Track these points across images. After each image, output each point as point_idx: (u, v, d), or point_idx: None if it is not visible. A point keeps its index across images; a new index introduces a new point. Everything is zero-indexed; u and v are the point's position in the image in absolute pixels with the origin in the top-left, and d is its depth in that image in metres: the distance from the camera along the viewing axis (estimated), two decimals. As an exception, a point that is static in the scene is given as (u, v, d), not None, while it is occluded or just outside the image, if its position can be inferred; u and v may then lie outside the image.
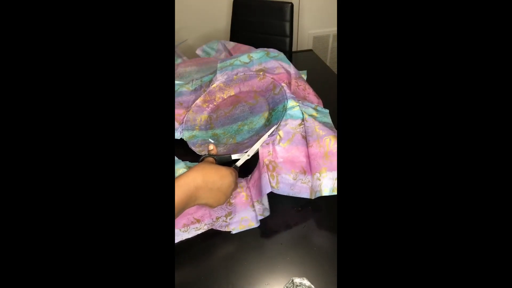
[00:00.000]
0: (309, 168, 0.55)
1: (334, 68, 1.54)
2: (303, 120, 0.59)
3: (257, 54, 0.77)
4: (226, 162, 0.56)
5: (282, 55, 0.77)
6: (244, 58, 0.77)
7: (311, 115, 0.60)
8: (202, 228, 0.53)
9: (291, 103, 0.62)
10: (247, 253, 0.49)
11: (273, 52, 0.77)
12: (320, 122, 0.59)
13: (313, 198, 0.53)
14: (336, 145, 0.54)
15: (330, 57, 1.89)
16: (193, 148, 0.67)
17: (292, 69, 0.73)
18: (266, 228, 0.53)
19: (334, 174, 0.52)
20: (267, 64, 0.74)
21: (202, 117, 0.73)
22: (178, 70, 1.01)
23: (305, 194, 0.53)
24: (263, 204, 0.54)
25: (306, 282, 0.42)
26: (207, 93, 0.75)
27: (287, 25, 1.36)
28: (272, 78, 0.69)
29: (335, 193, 0.52)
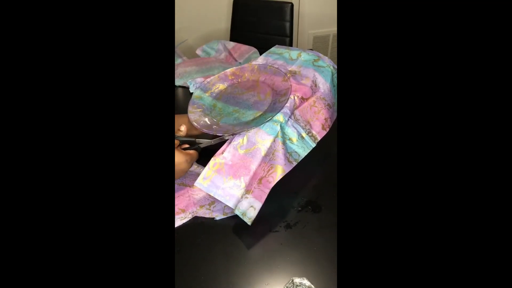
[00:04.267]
0: (248, 183, 0.54)
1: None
2: (274, 138, 0.56)
3: (307, 55, 0.74)
4: (190, 142, 0.61)
5: (329, 70, 0.70)
6: (294, 54, 0.75)
7: (289, 139, 0.58)
8: (187, 217, 0.55)
9: (277, 116, 0.58)
10: (247, 253, 0.49)
11: (323, 62, 0.72)
12: (288, 149, 0.57)
13: (234, 210, 0.52)
14: (275, 178, 0.53)
15: (330, 57, 1.89)
16: (189, 105, 0.68)
17: (326, 88, 0.68)
18: (266, 228, 0.53)
19: (254, 203, 0.52)
20: (304, 70, 0.70)
21: (221, 86, 0.74)
22: (178, 70, 1.01)
23: (230, 203, 0.52)
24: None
25: (306, 282, 0.42)
26: (240, 68, 0.75)
27: (287, 25, 1.36)
28: (291, 84, 0.65)
29: (243, 218, 0.51)
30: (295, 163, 0.57)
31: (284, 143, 0.57)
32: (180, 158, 0.55)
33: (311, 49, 0.84)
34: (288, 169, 0.55)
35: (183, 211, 0.56)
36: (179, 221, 0.54)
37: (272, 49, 0.80)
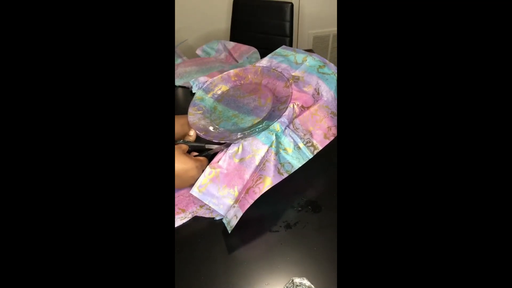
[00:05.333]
0: (239, 192, 0.54)
1: (334, 68, 1.54)
2: (268, 148, 0.56)
3: (312, 61, 0.71)
4: (199, 150, 0.59)
5: (333, 77, 0.68)
6: (299, 58, 0.72)
7: (284, 149, 0.57)
8: (187, 217, 0.55)
9: (274, 125, 0.58)
10: (247, 253, 0.49)
11: (328, 69, 0.69)
12: (281, 159, 0.56)
13: (222, 219, 0.52)
14: (261, 189, 0.51)
15: (330, 57, 1.89)
16: (190, 107, 0.68)
17: (329, 96, 0.65)
18: (265, 228, 0.53)
19: (238, 212, 0.51)
20: (307, 77, 0.68)
21: (223, 87, 0.73)
22: (178, 70, 1.01)
23: (222, 211, 0.53)
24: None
25: (306, 282, 0.42)
26: (243, 69, 0.74)
27: (287, 25, 1.36)
28: (292, 92, 0.64)
29: (227, 226, 0.51)
30: (286, 175, 0.55)
31: (277, 153, 0.56)
32: (189, 164, 0.53)
33: (311, 50, 0.82)
34: (277, 181, 0.53)
35: (183, 211, 0.56)
36: (179, 221, 0.54)
37: (278, 50, 0.77)
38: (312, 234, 0.51)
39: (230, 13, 1.47)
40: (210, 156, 0.59)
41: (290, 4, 1.34)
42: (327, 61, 0.72)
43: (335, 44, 1.85)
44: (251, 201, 0.51)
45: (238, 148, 0.57)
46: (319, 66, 0.70)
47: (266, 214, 0.55)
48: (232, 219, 0.51)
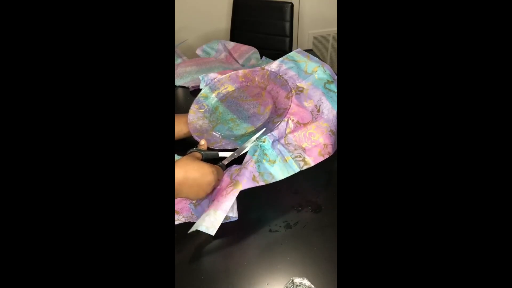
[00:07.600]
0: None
1: (334, 68, 1.54)
2: (251, 157, 0.55)
3: (322, 73, 0.68)
4: (212, 158, 0.57)
5: (336, 95, 0.65)
6: (310, 67, 0.69)
7: (268, 161, 0.56)
8: (180, 220, 0.54)
9: (264, 138, 0.58)
10: (247, 253, 0.49)
11: (335, 86, 0.66)
12: (261, 169, 0.55)
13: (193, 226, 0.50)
14: (229, 192, 0.50)
15: (330, 57, 1.89)
16: (193, 104, 0.68)
17: (331, 115, 0.63)
18: (266, 228, 0.53)
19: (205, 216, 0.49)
20: (312, 90, 0.66)
21: (229, 87, 0.73)
22: (178, 70, 1.01)
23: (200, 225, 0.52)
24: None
25: (306, 282, 0.42)
26: (252, 70, 0.72)
27: (287, 25, 1.36)
28: (290, 104, 0.62)
29: (193, 229, 0.49)
30: (262, 183, 0.53)
31: (256, 162, 0.55)
32: (205, 169, 0.51)
33: (311, 50, 0.81)
34: (248, 186, 0.51)
35: (177, 212, 0.56)
36: None
37: (292, 53, 0.74)
38: (312, 234, 0.51)
39: (230, 13, 1.47)
40: (225, 166, 0.58)
41: (290, 4, 1.34)
42: (333, 76, 0.69)
43: (335, 44, 1.85)
44: (216, 203, 0.50)
45: (239, 169, 0.57)
46: (327, 81, 0.67)
47: (266, 214, 0.55)
48: (200, 227, 0.49)
